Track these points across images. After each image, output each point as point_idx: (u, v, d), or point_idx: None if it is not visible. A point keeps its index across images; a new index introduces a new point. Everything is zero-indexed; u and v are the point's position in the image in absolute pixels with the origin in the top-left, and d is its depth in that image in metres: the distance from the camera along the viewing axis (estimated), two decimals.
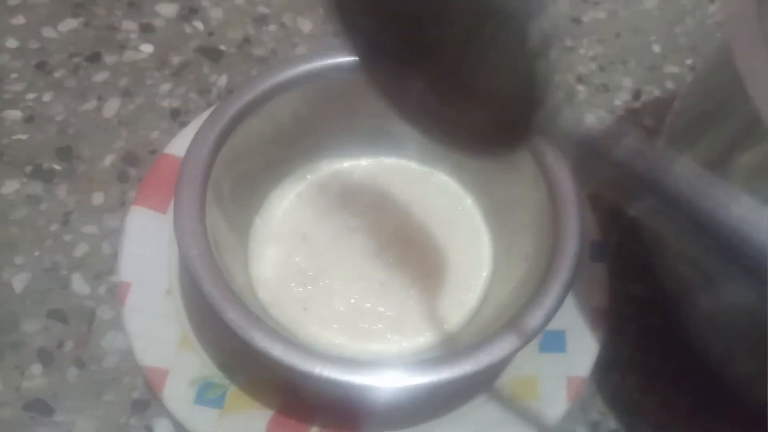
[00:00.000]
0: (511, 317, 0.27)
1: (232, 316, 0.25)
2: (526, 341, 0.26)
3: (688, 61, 0.44)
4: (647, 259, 0.33)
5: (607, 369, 0.33)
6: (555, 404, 0.29)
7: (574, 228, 0.29)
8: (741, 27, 0.24)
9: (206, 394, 0.29)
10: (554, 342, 0.31)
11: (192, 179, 0.28)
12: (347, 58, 0.32)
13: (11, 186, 0.35)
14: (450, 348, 0.30)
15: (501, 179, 0.33)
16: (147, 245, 0.32)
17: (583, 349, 0.31)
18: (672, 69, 0.44)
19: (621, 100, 0.42)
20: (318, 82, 0.32)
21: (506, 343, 0.26)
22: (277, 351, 0.25)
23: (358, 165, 0.36)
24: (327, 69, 0.32)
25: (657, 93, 0.43)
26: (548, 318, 0.27)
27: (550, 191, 0.30)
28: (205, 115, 0.34)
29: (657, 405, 0.32)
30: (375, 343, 0.31)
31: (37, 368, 0.30)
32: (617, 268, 0.35)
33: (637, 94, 0.43)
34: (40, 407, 0.30)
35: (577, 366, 0.30)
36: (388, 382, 0.25)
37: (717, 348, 0.30)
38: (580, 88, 0.42)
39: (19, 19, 0.42)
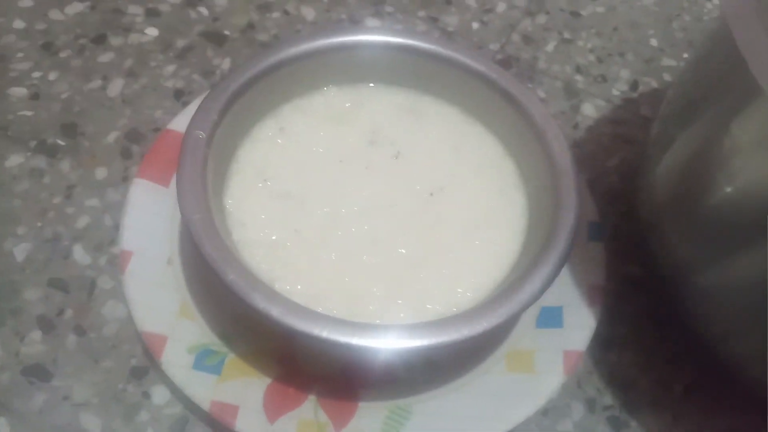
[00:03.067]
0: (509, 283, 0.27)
1: (233, 278, 0.26)
2: (522, 310, 0.26)
3: (685, 55, 0.45)
4: (644, 241, 0.34)
5: (604, 347, 0.33)
6: (551, 376, 0.29)
7: (572, 202, 0.29)
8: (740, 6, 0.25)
9: (205, 361, 0.29)
10: (552, 318, 0.31)
11: (195, 147, 0.29)
12: (347, 38, 0.33)
13: (15, 160, 0.36)
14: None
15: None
16: (149, 216, 0.32)
17: (580, 324, 0.31)
18: (669, 62, 0.45)
19: (618, 90, 0.43)
20: (318, 59, 0.33)
21: (506, 307, 0.26)
22: (276, 312, 0.25)
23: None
24: (328, 47, 0.33)
25: (654, 84, 0.43)
26: (542, 290, 0.27)
27: (551, 167, 0.30)
28: None
29: (653, 383, 0.32)
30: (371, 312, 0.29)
31: (36, 335, 0.30)
32: (614, 250, 0.35)
33: (634, 85, 0.43)
34: (39, 372, 0.29)
35: (574, 340, 0.30)
36: (387, 343, 0.25)
37: (714, 328, 0.30)
38: (578, 78, 0.43)
39: (27, 2, 0.42)
